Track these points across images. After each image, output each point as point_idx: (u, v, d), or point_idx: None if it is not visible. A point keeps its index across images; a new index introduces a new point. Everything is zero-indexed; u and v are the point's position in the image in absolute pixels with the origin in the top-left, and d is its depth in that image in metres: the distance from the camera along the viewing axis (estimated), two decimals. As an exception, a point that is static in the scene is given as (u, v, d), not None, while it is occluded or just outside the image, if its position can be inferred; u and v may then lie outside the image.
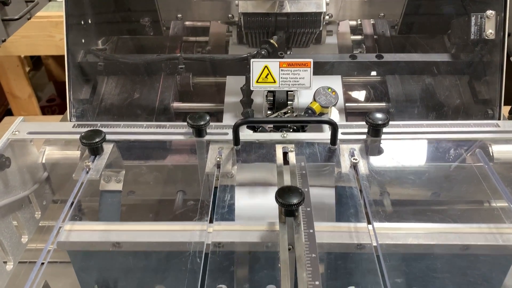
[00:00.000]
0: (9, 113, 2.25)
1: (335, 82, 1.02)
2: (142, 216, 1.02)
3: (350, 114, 1.08)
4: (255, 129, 0.90)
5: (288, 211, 0.66)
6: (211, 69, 0.99)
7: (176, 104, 1.09)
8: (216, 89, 1.14)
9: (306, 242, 0.63)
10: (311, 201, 0.72)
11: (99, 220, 0.88)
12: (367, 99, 1.10)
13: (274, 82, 0.89)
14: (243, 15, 0.96)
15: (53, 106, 2.37)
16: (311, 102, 0.95)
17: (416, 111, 1.00)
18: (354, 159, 0.79)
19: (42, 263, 0.66)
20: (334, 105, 0.94)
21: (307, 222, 0.67)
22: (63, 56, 0.98)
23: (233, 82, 1.07)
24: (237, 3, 0.97)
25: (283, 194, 0.66)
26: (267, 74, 0.89)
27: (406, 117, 1.02)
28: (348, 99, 1.07)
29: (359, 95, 1.11)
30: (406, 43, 1.12)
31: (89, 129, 0.84)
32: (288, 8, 0.95)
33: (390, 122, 0.84)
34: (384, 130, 0.83)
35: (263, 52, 0.92)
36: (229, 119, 1.02)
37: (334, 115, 0.95)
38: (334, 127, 0.80)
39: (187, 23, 1.22)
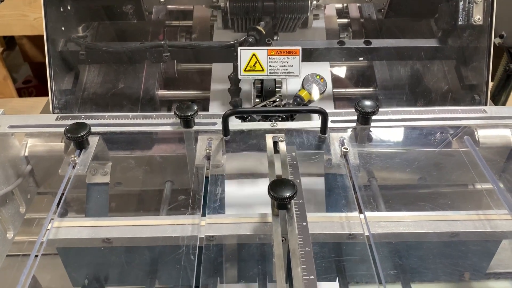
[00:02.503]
0: None
1: (323, 69, 1.01)
2: (131, 208, 1.01)
3: (338, 100, 1.08)
4: (244, 119, 0.89)
5: (281, 204, 0.66)
6: (197, 56, 0.97)
7: (161, 92, 1.07)
8: (202, 75, 1.12)
9: (299, 236, 0.63)
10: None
11: (87, 213, 0.86)
12: (355, 85, 1.09)
13: (263, 70, 0.88)
14: (229, 1, 0.94)
15: (29, 87, 2.30)
16: (299, 90, 0.94)
17: (403, 97, 1.01)
18: (344, 148, 0.79)
19: (36, 256, 0.64)
20: (323, 93, 0.93)
21: (300, 215, 0.67)
22: (38, 36, 0.94)
23: (219, 69, 1.05)
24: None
25: (275, 187, 0.65)
26: (255, 62, 0.87)
27: (394, 103, 1.02)
28: (336, 85, 1.06)
29: (347, 81, 1.10)
30: (393, 27, 1.11)
31: (73, 121, 0.81)
32: (275, -7, 0.93)
33: (379, 109, 0.84)
34: (374, 117, 0.83)
35: (250, 40, 0.90)
36: (216, 108, 1.01)
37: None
38: (324, 116, 0.79)
39: (169, 6, 1.18)
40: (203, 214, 0.70)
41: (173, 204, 0.94)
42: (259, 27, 0.90)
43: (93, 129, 0.82)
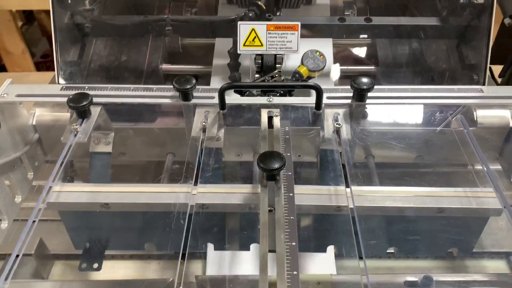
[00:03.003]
0: (3, 69, 2.23)
1: (325, 45, 1.01)
2: (132, 178, 1.05)
3: (340, 77, 1.08)
4: (242, 93, 0.91)
5: (269, 175, 0.68)
6: (200, 30, 0.99)
7: (165, 66, 1.09)
8: (206, 50, 1.13)
9: (285, 205, 0.66)
10: (294, 165, 0.74)
11: (90, 181, 0.90)
12: (358, 63, 1.09)
13: (261, 45, 0.89)
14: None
15: (47, 62, 2.34)
16: (298, 66, 0.95)
17: (404, 75, 1.01)
18: (337, 123, 0.80)
19: (34, 221, 0.68)
20: (322, 69, 0.94)
21: (287, 186, 0.69)
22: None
23: (222, 44, 1.06)
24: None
25: (264, 159, 0.67)
26: (254, 37, 0.89)
27: (394, 81, 1.02)
28: (337, 62, 1.07)
29: (350, 58, 1.11)
30: (397, 5, 1.10)
31: (76, 92, 0.84)
32: (277, -31, 0.93)
33: (376, 87, 0.85)
34: (370, 94, 0.84)
35: (250, 15, 0.91)
36: (217, 82, 1.02)
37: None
38: (318, 91, 0.81)
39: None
40: (196, 184, 0.73)
41: (173, 176, 0.97)
42: (259, 2, 0.91)
43: (95, 99, 0.85)
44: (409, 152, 0.87)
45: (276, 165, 0.66)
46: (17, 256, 0.64)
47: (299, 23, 0.87)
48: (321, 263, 0.78)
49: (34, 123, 0.98)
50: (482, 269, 0.81)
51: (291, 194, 0.68)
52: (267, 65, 0.93)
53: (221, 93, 0.81)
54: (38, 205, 0.71)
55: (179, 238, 0.64)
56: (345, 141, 0.77)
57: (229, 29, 0.96)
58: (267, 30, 0.88)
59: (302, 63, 0.94)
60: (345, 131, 0.79)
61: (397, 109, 0.86)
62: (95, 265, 0.86)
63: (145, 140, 0.99)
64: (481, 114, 0.89)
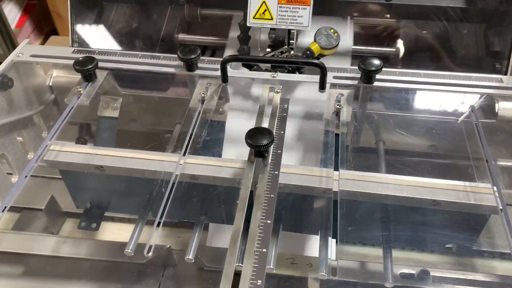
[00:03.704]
0: (55, 32, 2.30)
1: (344, 24, 0.97)
2: (138, 145, 1.07)
3: (357, 57, 1.04)
4: (250, 67, 0.90)
5: (256, 152, 0.67)
6: (215, 1, 0.97)
7: (181, 36, 1.08)
8: (226, 22, 1.12)
9: (268, 183, 0.65)
10: (286, 143, 0.72)
11: (95, 143, 0.92)
12: (378, 43, 1.04)
13: (272, 19, 0.87)
14: None
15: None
16: (311, 43, 0.92)
17: (424, 59, 0.95)
18: (338, 104, 0.77)
19: (26, 176, 0.71)
20: (335, 47, 0.91)
21: (274, 164, 0.68)
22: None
23: (240, 17, 1.04)
24: None
25: (253, 135, 0.66)
26: (265, 10, 0.86)
27: (414, 65, 0.97)
28: (357, 41, 1.02)
29: (370, 38, 1.06)
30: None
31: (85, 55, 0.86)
32: None
33: (386, 69, 0.81)
34: (379, 77, 0.81)
35: (262, -13, 0.88)
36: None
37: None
38: (323, 70, 0.78)
39: None
40: (184, 154, 0.73)
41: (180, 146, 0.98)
42: (273, -26, 0.88)
43: (103, 64, 0.86)
44: (412, 140, 0.83)
45: (264, 142, 0.65)
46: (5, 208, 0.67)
47: (311, -3, 0.84)
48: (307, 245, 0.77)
49: (50, 84, 1.01)
50: (475, 267, 0.77)
51: (276, 172, 0.66)
52: (278, 39, 0.91)
53: (223, 65, 0.80)
54: (33, 162, 0.73)
55: (159, 206, 0.65)
56: (343, 124, 0.75)
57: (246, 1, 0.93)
58: (278, 4, 0.85)
59: (314, 39, 0.91)
60: (345, 113, 0.76)
61: (405, 94, 0.82)
62: (93, 225, 0.89)
63: (153, 109, 1.01)
64: (503, 106, 0.83)
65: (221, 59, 0.87)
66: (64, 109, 1.03)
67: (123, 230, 1.05)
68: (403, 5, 0.90)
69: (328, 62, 0.93)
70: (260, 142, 0.65)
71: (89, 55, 0.86)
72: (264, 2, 0.86)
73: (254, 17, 0.87)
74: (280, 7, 0.85)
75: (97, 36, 1.01)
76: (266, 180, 0.65)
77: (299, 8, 0.85)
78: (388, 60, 1.02)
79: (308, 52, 0.90)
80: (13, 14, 2.22)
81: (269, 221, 0.60)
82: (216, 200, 0.77)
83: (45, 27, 2.37)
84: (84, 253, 0.90)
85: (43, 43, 2.40)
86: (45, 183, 1.05)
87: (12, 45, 2.09)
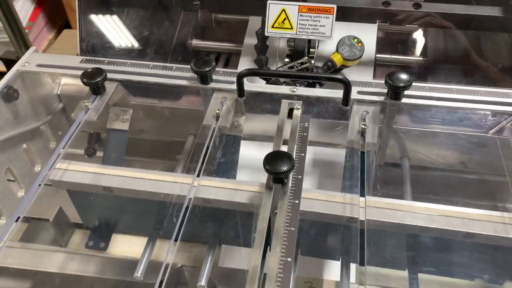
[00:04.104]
0: (68, 26, 2.26)
1: (369, 31, 0.91)
2: (150, 157, 1.03)
3: (381, 66, 0.98)
4: (267, 80, 0.84)
5: (275, 178, 0.62)
6: (230, 7, 0.92)
7: (195, 42, 1.04)
8: (242, 27, 1.06)
9: (288, 213, 0.60)
10: (308, 164, 0.67)
11: (104, 158, 0.88)
12: (403, 52, 0.98)
13: (291, 28, 0.81)
14: None
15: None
16: (333, 53, 0.86)
17: (454, 71, 0.89)
18: (363, 124, 0.72)
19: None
20: (359, 58, 0.85)
21: (294, 191, 0.63)
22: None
23: (256, 22, 0.99)
24: None
25: (271, 160, 0.61)
26: (284, 19, 0.81)
27: (442, 77, 0.91)
28: (380, 49, 0.96)
29: (395, 46, 1.00)
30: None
31: (93, 66, 0.81)
32: None
33: (416, 84, 0.75)
34: (408, 92, 0.75)
35: (282, -7, 0.82)
36: (246, 64, 0.96)
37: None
38: (347, 86, 0.72)
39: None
40: (198, 175, 0.69)
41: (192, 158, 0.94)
42: (294, -20, 0.82)
43: (113, 75, 0.82)
44: (441, 157, 0.78)
45: (283, 168, 0.60)
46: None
47: (334, 6, 0.78)
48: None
49: (59, 92, 0.97)
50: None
51: (296, 201, 0.61)
52: (297, 49, 0.85)
53: (239, 79, 0.75)
54: (38, 182, 0.69)
55: (172, 230, 0.61)
56: (369, 145, 0.69)
57: (262, 7, 0.88)
58: (298, 12, 0.80)
59: (337, 50, 0.85)
60: (371, 134, 0.71)
61: (436, 112, 0.76)
62: (102, 244, 0.85)
63: (166, 119, 0.96)
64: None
65: (236, 71, 0.82)
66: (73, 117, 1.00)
67: (133, 244, 1.02)
68: (434, 13, 0.83)
69: (349, 72, 0.88)
70: (279, 168, 0.60)
71: (98, 66, 0.82)
72: (283, 10, 0.80)
73: (272, 26, 0.81)
74: (300, 15, 0.80)
75: (107, 44, 0.96)
76: (286, 210, 0.60)
77: (321, 17, 0.79)
78: (415, 70, 0.96)
79: (329, 64, 0.85)
80: (26, 8, 2.19)
81: (289, 259, 0.55)
82: (231, 223, 0.73)
83: (59, 20, 2.33)
84: (93, 271, 0.86)
85: (56, 36, 2.37)
86: (53, 193, 1.01)
87: (23, 42, 2.06)
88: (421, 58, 0.95)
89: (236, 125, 0.84)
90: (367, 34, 0.94)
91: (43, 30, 2.36)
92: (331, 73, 0.85)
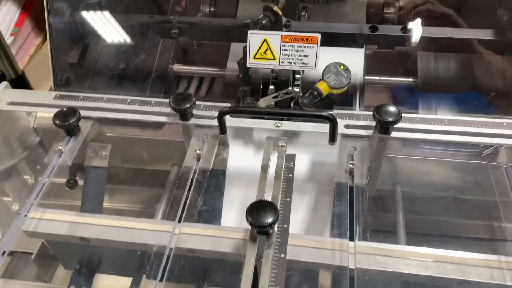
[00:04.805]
0: None
1: (357, 54, 0.88)
2: (133, 189, 0.99)
3: (370, 88, 0.95)
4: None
5: (260, 231, 0.59)
6: (210, 34, 0.88)
7: (176, 67, 0.99)
8: (224, 49, 1.02)
9: (273, 270, 0.56)
10: (295, 201, 0.64)
11: (83, 198, 0.84)
12: (392, 72, 0.95)
13: (274, 59, 0.77)
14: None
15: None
16: (319, 81, 0.82)
17: (446, 95, 0.86)
18: (351, 163, 0.68)
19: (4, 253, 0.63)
20: (346, 86, 0.81)
21: (280, 244, 0.59)
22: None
23: (237, 50, 0.95)
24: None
25: (255, 210, 0.58)
26: (266, 49, 0.77)
27: (434, 100, 0.87)
28: (368, 70, 0.92)
29: (383, 66, 0.96)
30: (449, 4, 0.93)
31: (71, 102, 0.78)
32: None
33: (405, 115, 0.72)
34: (397, 125, 0.71)
35: (264, 22, 0.78)
36: (231, 92, 0.92)
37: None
38: (333, 123, 0.69)
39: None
40: (180, 221, 0.65)
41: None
42: (275, 8, 0.78)
43: (88, 113, 0.78)
44: (434, 207, 0.75)
45: (267, 220, 0.57)
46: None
47: (318, 36, 0.74)
48: None
49: (35, 125, 0.93)
50: None
51: (282, 256, 0.58)
52: (282, 78, 0.81)
53: (220, 117, 0.71)
54: (12, 235, 0.65)
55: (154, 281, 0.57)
56: (358, 187, 0.66)
57: (244, 34, 0.84)
58: (281, 42, 0.76)
59: (322, 78, 0.82)
60: (359, 174, 0.67)
61: (428, 148, 0.73)
62: (84, 288, 0.81)
63: (146, 151, 0.92)
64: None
65: (218, 104, 0.78)
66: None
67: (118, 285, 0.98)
68: (422, 37, 0.80)
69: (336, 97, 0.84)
70: (263, 220, 0.57)
71: (72, 103, 0.78)
72: (265, 40, 0.76)
73: (254, 57, 0.77)
74: (283, 45, 0.76)
75: (82, 75, 0.92)
76: (271, 266, 0.57)
77: (305, 47, 0.75)
78: (404, 92, 0.93)
79: (315, 93, 0.81)
80: (11, 14, 2.13)
81: (275, 323, 0.52)
82: (216, 269, 0.69)
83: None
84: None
85: (44, 40, 2.31)
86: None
87: (6, 57, 2.01)
88: (411, 79, 0.91)
89: (220, 158, 0.81)
90: (354, 57, 0.90)
91: (30, 35, 2.30)
92: (317, 102, 0.82)
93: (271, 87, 0.84)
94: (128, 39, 0.93)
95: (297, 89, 0.83)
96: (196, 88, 1.06)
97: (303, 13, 0.92)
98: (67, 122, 0.73)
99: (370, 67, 0.94)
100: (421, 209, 0.84)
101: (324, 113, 0.68)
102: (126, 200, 1.05)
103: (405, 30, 0.79)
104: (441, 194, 0.83)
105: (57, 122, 0.73)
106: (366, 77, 0.91)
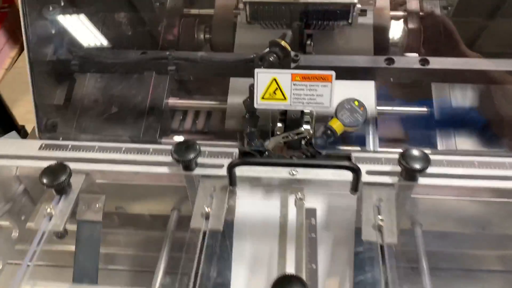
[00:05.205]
0: None
1: (367, 88, 0.81)
2: (131, 238, 0.91)
3: (382, 119, 0.88)
4: (262, 154, 0.74)
5: (286, 309, 0.51)
6: (209, 70, 0.80)
7: (172, 101, 0.91)
8: (222, 79, 0.95)
9: None
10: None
11: (75, 257, 0.76)
12: (405, 101, 0.89)
13: (285, 99, 0.70)
14: (248, 5, 0.75)
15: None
16: (331, 119, 0.76)
17: (465, 127, 0.80)
18: (380, 219, 0.61)
19: None
20: (361, 124, 0.75)
21: (309, 322, 0.52)
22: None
23: (237, 85, 0.88)
24: (241, -15, 0.75)
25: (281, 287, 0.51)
26: (276, 89, 0.70)
27: (452, 133, 0.81)
28: (380, 99, 0.86)
29: (395, 94, 0.90)
30: (463, 28, 0.88)
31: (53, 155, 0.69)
32: (308, -3, 0.73)
33: (433, 157, 0.65)
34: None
35: (271, 59, 0.71)
36: (233, 128, 0.85)
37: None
38: (357, 173, 0.62)
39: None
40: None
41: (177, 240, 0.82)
42: (283, 42, 0.71)
43: (79, 166, 0.70)
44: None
45: (296, 299, 0.50)
46: None
47: (333, 74, 0.67)
48: None
49: (17, 173, 0.84)
50: None
51: None
52: (291, 117, 0.75)
53: (230, 170, 0.64)
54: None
55: None
56: (390, 250, 0.59)
57: (245, 69, 0.77)
58: (292, 81, 0.69)
59: (336, 115, 0.75)
60: (390, 230, 0.61)
61: (461, 195, 0.67)
62: None
63: (146, 195, 0.84)
64: None
65: (224, 150, 0.71)
66: (39, 195, 0.86)
67: None
68: (442, 70, 0.73)
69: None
70: (290, 300, 0.50)
71: (59, 154, 0.69)
72: (274, 79, 0.69)
73: (263, 97, 0.70)
74: (294, 84, 0.69)
75: (69, 118, 0.83)
76: None
77: (318, 86, 0.68)
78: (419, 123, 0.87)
79: (329, 132, 0.75)
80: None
81: None
82: None
83: (20, 36, 2.16)
84: None
85: (20, 52, 2.20)
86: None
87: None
88: (425, 109, 0.86)
89: (227, 207, 0.73)
90: (364, 89, 0.84)
91: (4, 48, 2.19)
92: (331, 143, 0.75)
93: (279, 124, 0.77)
94: (119, 76, 0.85)
95: (307, 126, 0.76)
96: (192, 121, 0.99)
97: (308, 42, 0.85)
98: (57, 181, 0.64)
99: (381, 95, 0.88)
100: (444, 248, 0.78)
101: (347, 164, 0.61)
102: (122, 244, 0.97)
103: (424, 62, 0.73)
104: (466, 231, 0.77)
105: (45, 181, 0.65)
106: (378, 108, 0.85)
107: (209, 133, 0.95)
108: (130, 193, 0.84)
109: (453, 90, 0.83)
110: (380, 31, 0.92)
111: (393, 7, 0.96)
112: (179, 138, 0.90)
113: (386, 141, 0.85)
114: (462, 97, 0.82)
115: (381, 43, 0.91)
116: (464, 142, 0.82)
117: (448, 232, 0.78)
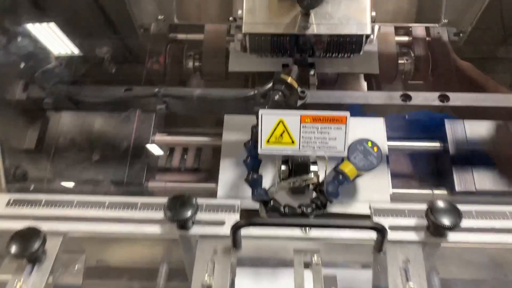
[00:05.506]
0: None
1: (375, 125, 0.74)
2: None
3: (393, 155, 0.81)
4: (266, 204, 0.65)
5: None
6: (204, 107, 0.71)
7: (159, 138, 0.81)
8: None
9: None
10: None
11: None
12: (416, 136, 0.81)
13: (293, 143, 0.62)
14: (248, 36, 0.66)
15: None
16: (342, 162, 0.67)
17: (483, 164, 0.73)
18: (411, 285, 0.53)
19: None
20: (374, 167, 0.67)
21: None
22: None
23: (232, 123, 0.79)
24: (240, 13, 0.66)
25: None
26: (283, 132, 0.61)
27: (469, 170, 0.75)
28: (389, 134, 0.79)
29: (405, 129, 0.83)
30: (472, 54, 0.82)
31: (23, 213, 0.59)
32: (315, 29, 0.64)
33: (464, 208, 0.58)
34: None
35: (276, 97, 0.62)
36: (228, 172, 0.75)
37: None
38: (382, 234, 0.54)
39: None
40: None
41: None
42: (289, 79, 0.63)
43: (54, 225, 0.59)
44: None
45: None
46: None
47: (347, 114, 0.59)
48: None
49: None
50: None
51: None
52: (297, 161, 0.66)
53: (234, 231, 0.55)
54: None
55: None
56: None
57: (242, 106, 0.69)
58: (301, 123, 0.60)
59: (348, 158, 0.67)
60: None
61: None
62: None
63: (128, 249, 0.74)
64: None
65: (224, 202, 0.62)
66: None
67: None
68: (463, 107, 0.67)
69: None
70: None
71: (31, 212, 0.59)
72: (281, 121, 0.60)
73: (268, 141, 0.62)
74: (304, 127, 0.60)
75: (42, 166, 0.72)
76: None
77: (331, 128, 0.60)
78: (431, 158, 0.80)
79: (340, 177, 0.66)
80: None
81: None
82: None
83: None
84: None
85: None
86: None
87: None
88: (438, 144, 0.78)
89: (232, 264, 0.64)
90: (374, 125, 0.76)
91: None
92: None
93: (282, 167, 0.69)
94: (99, 114, 0.75)
95: (315, 168, 0.68)
96: (181, 156, 0.89)
97: (311, 72, 0.77)
98: (29, 250, 0.54)
99: (391, 130, 0.80)
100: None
101: (372, 225, 0.53)
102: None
103: (444, 98, 0.66)
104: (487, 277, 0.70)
105: (15, 251, 0.54)
106: (388, 143, 0.77)
107: (201, 170, 0.86)
108: (114, 246, 0.73)
109: (467, 123, 0.76)
110: (385, 59, 0.85)
111: (396, 31, 0.89)
112: (169, 177, 0.81)
113: (396, 178, 0.78)
114: (477, 131, 0.76)
115: (387, 69, 0.84)
116: (483, 180, 0.75)
117: (466, 279, 0.71)
